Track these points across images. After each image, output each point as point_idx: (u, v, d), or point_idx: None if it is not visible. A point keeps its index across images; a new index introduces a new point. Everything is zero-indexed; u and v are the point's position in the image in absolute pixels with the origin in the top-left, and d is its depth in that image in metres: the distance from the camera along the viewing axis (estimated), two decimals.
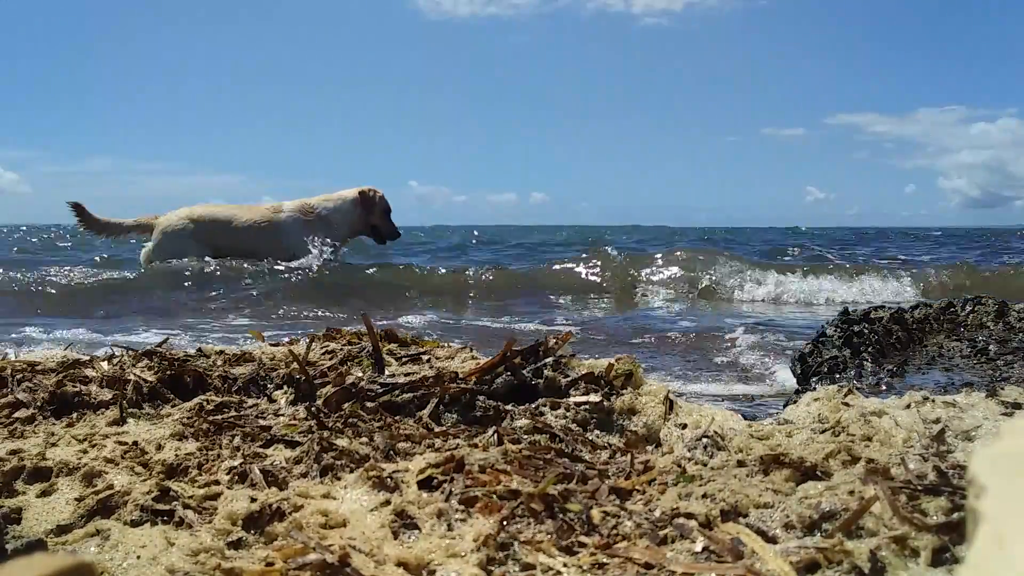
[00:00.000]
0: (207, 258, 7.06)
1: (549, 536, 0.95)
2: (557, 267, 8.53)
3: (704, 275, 7.99)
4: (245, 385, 1.74)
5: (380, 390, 1.60)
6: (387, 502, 1.05)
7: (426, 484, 1.10)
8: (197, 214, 7.07)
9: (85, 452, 1.31)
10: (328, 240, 7.24)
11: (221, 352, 1.95)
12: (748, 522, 0.98)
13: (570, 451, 1.34)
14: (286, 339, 2.26)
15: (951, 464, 1.10)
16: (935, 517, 0.92)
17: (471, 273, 7.69)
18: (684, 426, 1.53)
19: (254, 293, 6.36)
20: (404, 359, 1.83)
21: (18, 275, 7.04)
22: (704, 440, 1.37)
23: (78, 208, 7.04)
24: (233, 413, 1.52)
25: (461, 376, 1.64)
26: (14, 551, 0.97)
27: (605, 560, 0.90)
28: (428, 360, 1.82)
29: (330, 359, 1.84)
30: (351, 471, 1.20)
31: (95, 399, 1.58)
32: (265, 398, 1.69)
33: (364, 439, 1.35)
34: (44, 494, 1.17)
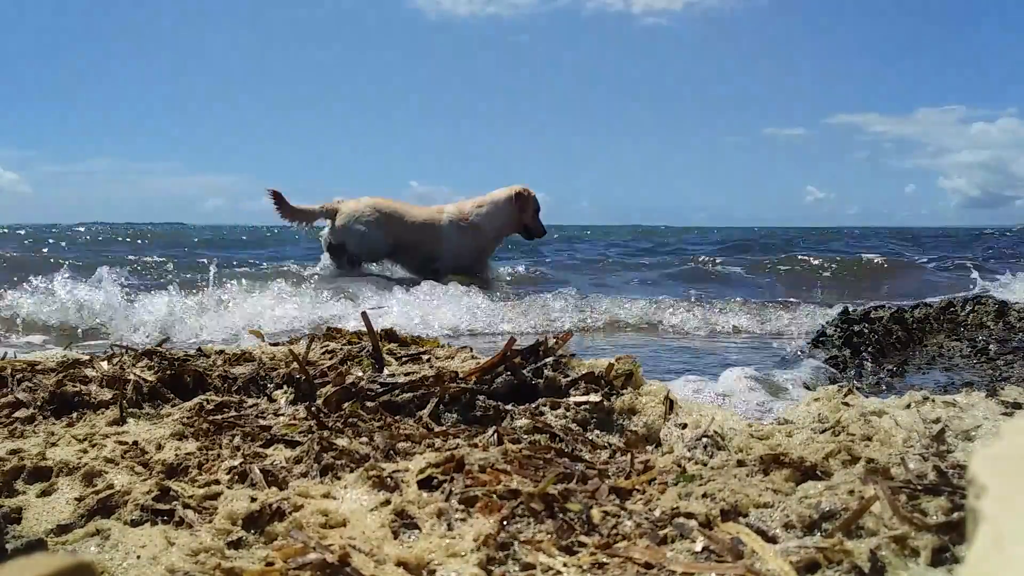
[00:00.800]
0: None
1: (549, 536, 0.95)
2: None
3: None
4: (245, 385, 1.74)
5: (380, 389, 1.60)
6: (387, 502, 1.05)
7: (426, 484, 1.10)
8: (380, 204, 7.45)
9: (85, 452, 1.31)
10: (475, 248, 7.53)
11: (221, 352, 1.95)
12: (748, 522, 0.98)
13: (570, 451, 1.34)
14: (286, 338, 2.26)
15: (951, 464, 1.10)
16: (935, 517, 0.92)
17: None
18: (684, 426, 1.53)
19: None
20: (404, 359, 1.83)
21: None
22: (704, 440, 1.37)
23: (276, 196, 7.36)
24: (233, 413, 1.52)
25: (461, 376, 1.64)
26: (14, 551, 0.97)
27: (605, 560, 0.90)
28: (428, 360, 1.82)
29: (330, 359, 1.84)
30: (351, 471, 1.20)
31: (95, 399, 1.58)
32: (265, 398, 1.69)
33: (364, 439, 1.35)
34: (44, 494, 1.17)
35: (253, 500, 1.07)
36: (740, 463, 1.20)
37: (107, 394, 1.60)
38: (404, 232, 7.41)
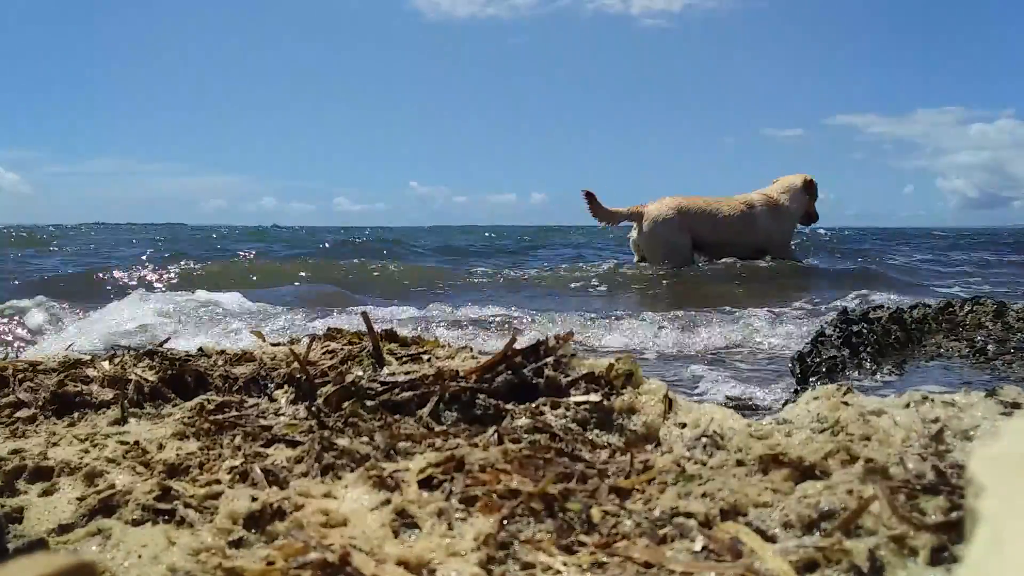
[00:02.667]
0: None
1: (549, 535, 0.96)
2: None
3: None
4: (246, 384, 1.74)
5: (380, 388, 1.61)
6: (387, 501, 1.05)
7: (426, 483, 1.10)
8: (684, 205, 7.44)
9: (87, 452, 1.31)
10: (787, 232, 7.62)
11: (222, 352, 1.95)
12: (747, 521, 0.98)
13: (570, 450, 1.34)
14: (287, 338, 2.26)
15: (950, 464, 1.10)
16: (934, 516, 0.92)
17: None
18: (683, 425, 1.53)
19: None
20: (404, 358, 1.83)
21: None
22: (703, 439, 1.37)
23: (590, 197, 7.62)
24: (234, 412, 1.52)
25: (462, 374, 1.64)
26: (16, 550, 0.98)
27: (605, 559, 0.91)
28: (428, 359, 1.82)
29: (331, 359, 1.84)
30: (352, 470, 1.20)
31: (96, 399, 1.58)
32: (266, 397, 1.69)
33: (364, 438, 1.35)
34: (46, 493, 1.17)
35: (254, 500, 1.07)
36: (739, 463, 1.20)
37: (108, 394, 1.60)
38: (717, 229, 7.42)
